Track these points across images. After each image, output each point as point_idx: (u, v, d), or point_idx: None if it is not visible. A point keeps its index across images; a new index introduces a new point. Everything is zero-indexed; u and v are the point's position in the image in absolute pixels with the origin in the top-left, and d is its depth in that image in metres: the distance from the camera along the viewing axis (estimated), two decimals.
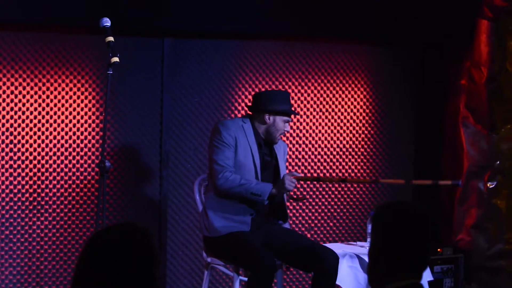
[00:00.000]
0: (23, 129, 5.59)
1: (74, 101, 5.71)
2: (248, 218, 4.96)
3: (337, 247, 5.21)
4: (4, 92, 5.54)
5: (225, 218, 4.95)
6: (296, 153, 6.35)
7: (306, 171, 6.38)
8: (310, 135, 6.39)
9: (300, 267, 5.14)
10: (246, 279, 4.87)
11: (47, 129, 5.65)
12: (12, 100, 5.56)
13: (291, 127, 6.31)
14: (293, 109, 5.30)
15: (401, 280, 2.62)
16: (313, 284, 4.91)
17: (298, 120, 6.35)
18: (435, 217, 6.64)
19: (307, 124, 6.38)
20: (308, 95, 6.38)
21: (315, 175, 6.39)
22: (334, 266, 4.85)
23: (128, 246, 2.34)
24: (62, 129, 5.69)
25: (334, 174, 6.48)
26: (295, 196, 5.72)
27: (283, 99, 5.11)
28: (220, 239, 4.95)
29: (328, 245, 5.33)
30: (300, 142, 6.36)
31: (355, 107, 6.55)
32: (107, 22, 4.80)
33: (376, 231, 2.70)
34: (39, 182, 5.64)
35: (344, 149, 6.52)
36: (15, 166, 5.59)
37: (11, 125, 5.57)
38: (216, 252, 5.05)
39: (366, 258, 3.71)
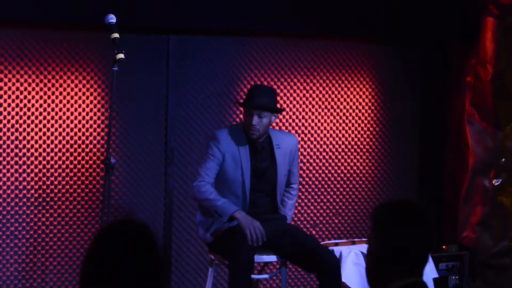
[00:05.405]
0: (28, 125, 5.60)
1: (80, 98, 5.72)
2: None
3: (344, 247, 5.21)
4: (9, 88, 5.55)
5: (211, 224, 5.00)
6: (301, 150, 6.35)
7: (311, 168, 6.38)
8: (316, 132, 6.39)
9: (302, 267, 5.15)
10: None
11: (52, 126, 5.66)
12: (17, 97, 5.57)
13: (297, 124, 6.31)
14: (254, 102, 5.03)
15: (402, 279, 2.61)
16: (319, 284, 4.92)
17: (303, 117, 6.35)
18: (440, 214, 6.64)
19: (313, 121, 6.38)
20: (314, 92, 6.38)
21: (322, 174, 6.40)
22: (335, 269, 4.84)
23: (133, 243, 2.35)
24: (68, 126, 5.70)
25: (339, 171, 6.48)
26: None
27: (250, 95, 5.05)
28: (213, 243, 5.02)
29: (333, 242, 5.32)
30: (306, 139, 6.36)
31: (360, 104, 6.55)
32: (112, 18, 4.81)
33: (376, 230, 2.68)
34: (44, 179, 5.65)
35: (349, 146, 6.52)
36: (21, 162, 5.60)
37: (17, 122, 5.58)
38: (215, 253, 5.10)
39: None
